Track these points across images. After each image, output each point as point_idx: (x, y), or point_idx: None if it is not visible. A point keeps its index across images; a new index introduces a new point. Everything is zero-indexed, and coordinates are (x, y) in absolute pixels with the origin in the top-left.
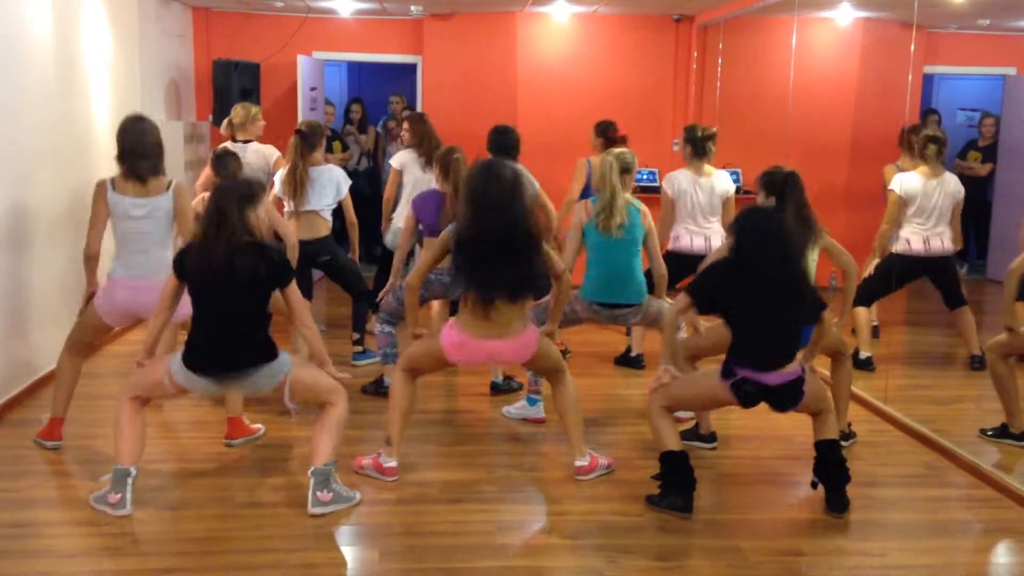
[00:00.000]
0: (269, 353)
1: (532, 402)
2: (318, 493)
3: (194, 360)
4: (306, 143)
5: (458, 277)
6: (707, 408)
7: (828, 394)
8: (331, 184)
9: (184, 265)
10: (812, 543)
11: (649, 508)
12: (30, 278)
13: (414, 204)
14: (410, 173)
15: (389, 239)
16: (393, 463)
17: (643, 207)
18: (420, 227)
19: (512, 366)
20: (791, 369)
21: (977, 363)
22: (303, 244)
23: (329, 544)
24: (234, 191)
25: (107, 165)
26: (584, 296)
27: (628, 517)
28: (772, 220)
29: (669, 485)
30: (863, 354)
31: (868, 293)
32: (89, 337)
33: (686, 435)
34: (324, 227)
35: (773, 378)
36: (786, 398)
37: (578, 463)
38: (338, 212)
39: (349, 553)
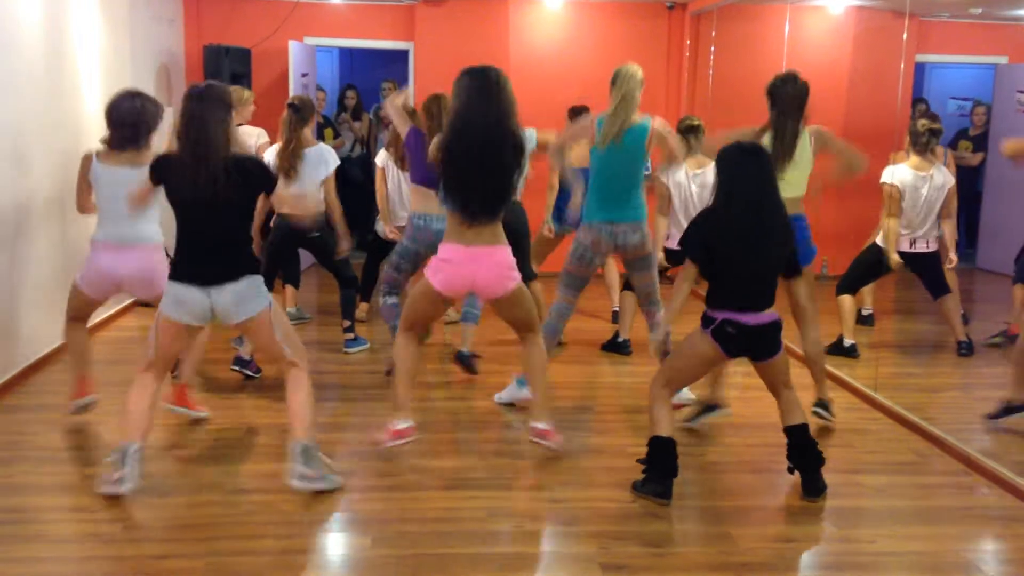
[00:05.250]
0: (252, 265)
1: (522, 383)
2: (303, 468)
3: (182, 268)
4: (299, 116)
5: (445, 185)
6: (701, 371)
7: (790, 372)
8: (321, 164)
9: (163, 177)
10: (802, 530)
11: (632, 494)
12: (20, 264)
13: (408, 140)
14: (390, 170)
15: (380, 227)
16: (405, 424)
17: (654, 124)
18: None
19: (492, 295)
20: (769, 312)
21: (964, 349)
22: (292, 219)
23: (321, 530)
24: (212, 100)
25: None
26: (587, 218)
27: (620, 504)
28: (747, 160)
29: (652, 471)
30: (847, 341)
31: (852, 281)
32: (82, 311)
33: (698, 415)
34: (315, 206)
35: (752, 318)
36: (766, 341)
37: (538, 424)
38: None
39: (341, 539)
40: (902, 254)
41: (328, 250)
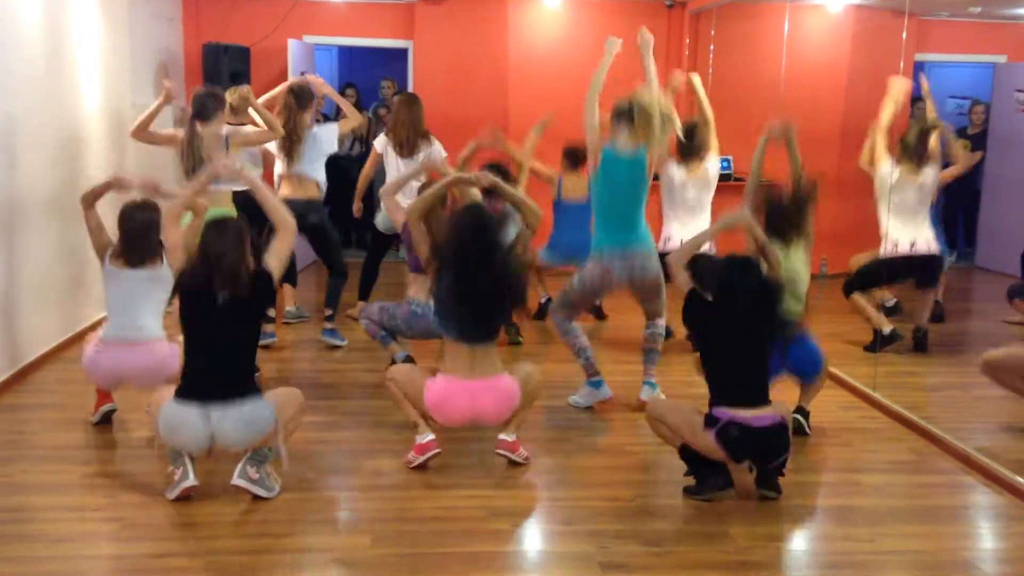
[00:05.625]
0: (255, 387)
1: (596, 384)
2: (249, 468)
3: (187, 385)
4: (298, 102)
5: (439, 317)
6: (699, 451)
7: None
8: (321, 142)
9: (181, 289)
10: (801, 528)
11: (691, 499)
12: (18, 264)
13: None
14: (388, 156)
15: (380, 220)
16: (428, 437)
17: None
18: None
19: (497, 423)
20: (772, 412)
21: (921, 338)
22: (293, 203)
23: (321, 529)
24: (230, 233)
25: (96, 149)
26: (596, 247)
27: (619, 503)
28: (742, 278)
29: (701, 473)
30: (885, 330)
31: (860, 285)
32: None
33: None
34: (315, 189)
35: (755, 419)
36: (773, 443)
37: (503, 436)
38: (332, 175)
39: (340, 538)
40: (906, 259)
41: (326, 237)
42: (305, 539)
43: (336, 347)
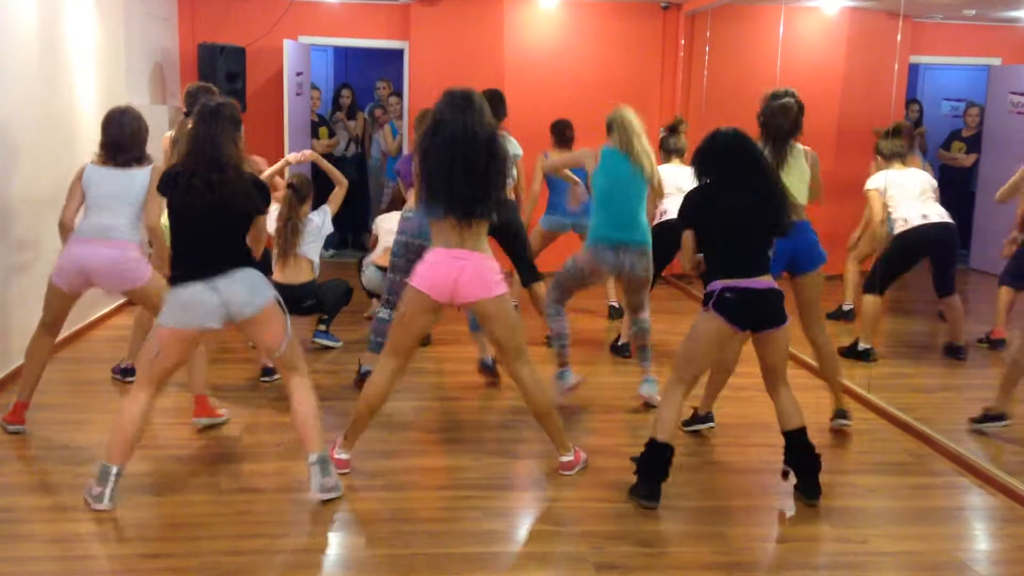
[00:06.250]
0: (250, 259)
1: (561, 375)
2: (324, 479)
3: (180, 271)
4: (297, 195)
5: (424, 192)
6: (712, 353)
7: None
8: (319, 226)
9: (170, 188)
10: (795, 530)
11: (628, 497)
12: (11, 264)
13: (399, 165)
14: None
15: (364, 280)
16: (345, 456)
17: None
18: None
19: (475, 296)
20: (766, 279)
21: (961, 354)
22: (287, 288)
23: (315, 529)
24: (223, 118)
25: (91, 149)
26: (593, 240)
27: (614, 504)
28: (733, 138)
29: (642, 473)
30: (863, 344)
31: (879, 281)
32: (55, 313)
33: (686, 423)
34: (309, 272)
35: (751, 283)
36: (769, 308)
37: (564, 459)
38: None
39: (335, 539)
40: (922, 229)
41: (324, 305)
42: (300, 539)
43: (330, 348)
